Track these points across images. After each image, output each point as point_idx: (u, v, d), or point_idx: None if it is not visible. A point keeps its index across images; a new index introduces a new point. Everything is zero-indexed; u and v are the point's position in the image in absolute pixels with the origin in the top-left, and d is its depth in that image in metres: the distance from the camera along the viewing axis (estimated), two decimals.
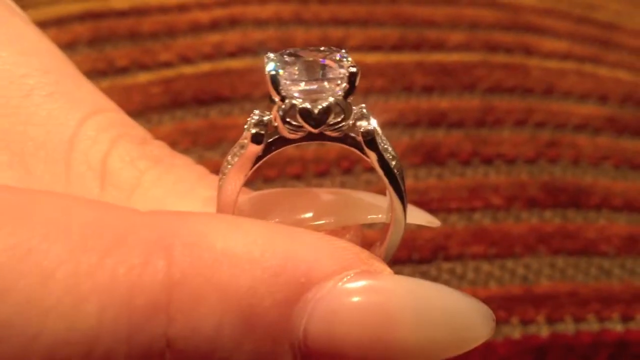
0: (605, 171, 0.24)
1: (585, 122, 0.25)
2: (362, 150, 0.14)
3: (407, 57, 0.26)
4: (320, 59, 0.14)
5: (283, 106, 0.13)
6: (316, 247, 0.13)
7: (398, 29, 0.27)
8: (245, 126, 0.14)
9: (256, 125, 0.14)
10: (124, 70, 0.24)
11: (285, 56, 0.14)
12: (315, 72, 0.13)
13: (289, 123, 0.13)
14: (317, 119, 0.13)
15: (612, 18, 0.32)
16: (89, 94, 0.16)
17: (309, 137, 0.13)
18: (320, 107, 0.13)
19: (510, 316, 0.20)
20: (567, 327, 0.20)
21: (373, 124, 0.14)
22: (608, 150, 0.24)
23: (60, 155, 0.15)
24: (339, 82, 0.13)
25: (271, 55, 0.14)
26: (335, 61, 0.14)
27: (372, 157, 0.14)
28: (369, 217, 0.15)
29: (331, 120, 0.13)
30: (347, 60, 0.14)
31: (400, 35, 0.26)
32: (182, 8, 0.26)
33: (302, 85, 0.13)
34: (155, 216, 0.13)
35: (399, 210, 0.14)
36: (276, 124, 0.13)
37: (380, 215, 0.15)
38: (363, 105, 0.14)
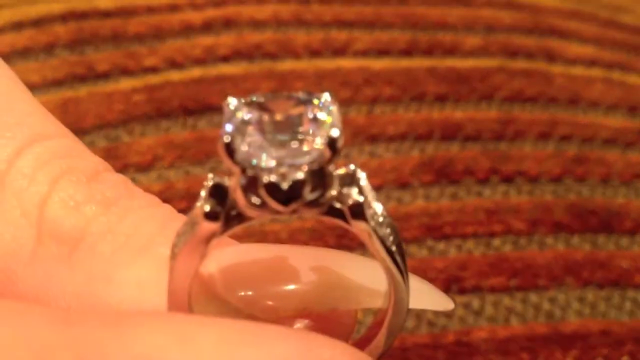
0: (638, 190, 0.22)
1: (615, 136, 0.23)
2: (348, 222, 0.11)
3: (418, 63, 0.23)
4: (293, 115, 0.11)
5: (243, 179, 0.11)
6: (290, 358, 0.10)
7: (408, 31, 0.24)
8: (201, 194, 0.11)
9: (211, 196, 0.11)
10: (104, 76, 0.22)
11: (250, 108, 0.11)
12: (286, 132, 0.11)
13: (251, 200, 0.11)
14: (287, 196, 0.11)
15: None
16: (26, 115, 0.13)
17: (279, 214, 0.11)
18: (291, 180, 0.11)
19: (535, 359, 0.18)
20: None
21: (364, 190, 0.11)
22: None
23: None
24: (317, 145, 0.11)
25: (232, 102, 0.11)
26: (313, 119, 0.11)
27: (367, 234, 0.11)
28: (363, 300, 0.12)
29: (307, 195, 0.11)
30: (329, 116, 0.11)
31: (411, 38, 0.24)
32: (172, 8, 0.24)
33: (269, 152, 0.11)
34: (80, 331, 0.10)
35: (401, 292, 0.11)
36: (236, 198, 0.11)
37: (379, 300, 0.12)
38: (352, 166, 0.11)
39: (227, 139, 0.11)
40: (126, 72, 0.22)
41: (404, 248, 0.11)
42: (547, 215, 0.20)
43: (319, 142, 0.11)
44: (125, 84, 0.22)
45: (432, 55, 0.24)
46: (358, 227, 0.11)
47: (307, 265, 0.12)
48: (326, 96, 0.11)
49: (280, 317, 0.12)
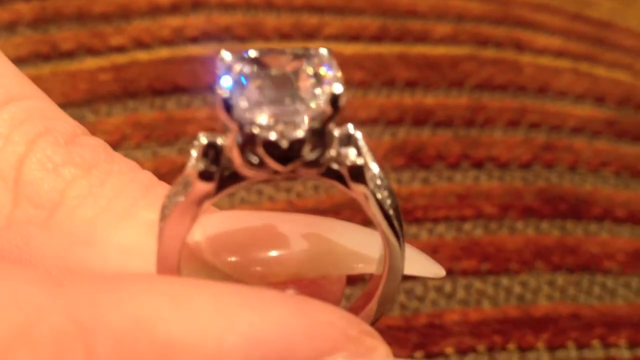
0: (605, 178, 0.22)
1: (582, 125, 0.23)
2: (346, 184, 0.11)
3: (388, 49, 0.23)
4: (292, 70, 0.10)
5: (240, 137, 0.10)
6: (289, 325, 0.10)
7: (378, 18, 0.24)
8: (193, 154, 0.11)
9: (204, 155, 0.10)
10: (69, 55, 0.22)
11: (244, 64, 0.10)
12: (284, 88, 0.10)
13: (249, 159, 0.10)
14: (286, 155, 0.10)
15: (606, 16, 0.30)
16: (1, 76, 0.13)
17: (277, 175, 0.10)
18: (290, 138, 0.10)
19: (507, 342, 0.17)
20: (570, 354, 0.18)
21: (362, 151, 0.10)
22: (608, 156, 0.22)
23: None
24: (318, 101, 0.10)
25: (226, 57, 0.10)
26: (312, 74, 0.10)
27: (364, 196, 0.11)
28: (356, 266, 0.12)
29: (306, 155, 0.10)
30: (331, 72, 0.10)
31: (381, 25, 0.24)
32: None
33: (267, 108, 0.10)
34: (72, 291, 0.10)
35: (396, 259, 0.11)
36: (232, 157, 0.10)
37: (372, 266, 0.12)
38: (350, 125, 0.11)
39: (225, 93, 0.10)
40: (92, 51, 0.22)
41: (400, 212, 0.11)
42: (517, 200, 0.20)
43: (321, 99, 0.10)
44: (91, 63, 0.22)
45: (402, 42, 0.24)
46: (356, 190, 0.11)
47: (298, 232, 0.11)
48: (323, 51, 0.10)
49: (270, 283, 0.11)
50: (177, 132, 0.21)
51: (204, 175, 0.10)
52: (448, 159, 0.21)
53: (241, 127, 0.10)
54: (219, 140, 0.10)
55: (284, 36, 0.23)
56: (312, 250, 0.11)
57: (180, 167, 0.22)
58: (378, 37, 0.24)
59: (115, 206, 0.12)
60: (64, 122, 0.12)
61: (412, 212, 0.20)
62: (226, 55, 0.10)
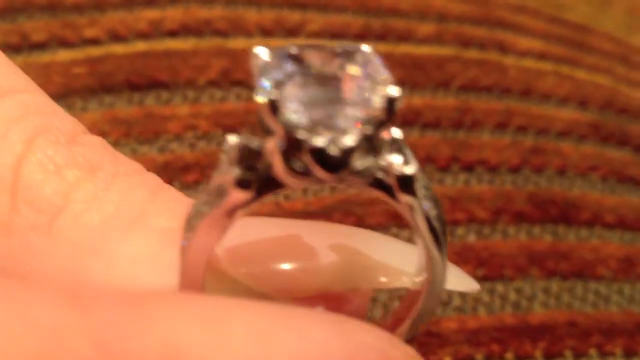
0: (593, 183, 0.21)
1: (568, 129, 0.23)
2: (393, 195, 0.10)
3: (372, 47, 0.23)
4: (336, 69, 0.09)
5: (284, 142, 0.09)
6: (330, 348, 0.09)
7: (361, 16, 0.24)
8: (223, 159, 0.10)
9: (241, 161, 0.09)
10: (40, 46, 0.21)
11: (284, 61, 0.09)
12: (329, 89, 0.09)
13: (293, 166, 0.09)
14: (335, 163, 0.09)
15: (582, 20, 0.30)
16: None
17: (320, 183, 0.09)
18: (341, 145, 0.09)
19: (505, 351, 0.17)
20: None
21: (410, 160, 0.10)
22: (594, 160, 0.22)
23: None
24: (369, 105, 0.09)
25: (262, 54, 0.09)
26: (359, 74, 0.09)
27: (409, 207, 0.10)
28: (389, 280, 0.11)
29: (356, 163, 0.09)
30: (381, 72, 0.09)
31: (364, 23, 0.23)
32: None
33: (313, 111, 0.09)
34: (94, 313, 0.09)
35: (438, 273, 0.10)
36: (273, 162, 0.09)
37: (404, 279, 0.11)
38: (396, 129, 0.10)
39: (272, 95, 0.09)
40: (64, 43, 0.21)
41: (446, 225, 0.10)
42: (509, 204, 0.20)
43: (373, 102, 0.09)
44: (64, 55, 0.21)
45: (386, 41, 0.23)
46: (402, 200, 0.10)
47: (325, 243, 0.11)
48: (365, 48, 0.10)
49: (296, 297, 0.10)
50: (157, 129, 0.20)
51: (242, 183, 0.10)
52: (438, 162, 0.20)
53: (287, 131, 0.09)
54: (254, 144, 0.10)
55: (266, 32, 0.22)
56: (341, 263, 0.11)
57: (162, 166, 0.21)
58: (362, 35, 0.23)
59: (123, 212, 0.11)
60: (63, 118, 0.11)
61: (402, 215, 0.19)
62: (261, 51, 0.09)
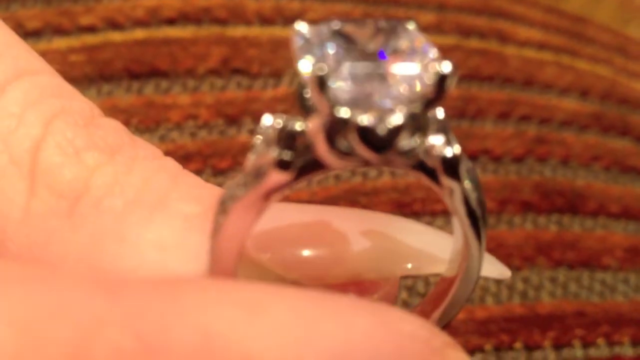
0: (597, 173, 0.21)
1: (570, 119, 0.22)
2: (436, 179, 0.09)
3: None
4: (380, 45, 0.09)
5: (329, 121, 0.09)
6: (374, 338, 0.08)
7: (361, 5, 0.23)
8: (258, 140, 0.09)
9: (280, 142, 0.09)
10: (36, 34, 0.20)
11: (328, 37, 0.09)
12: (374, 66, 0.09)
13: (337, 146, 0.09)
14: (382, 142, 0.09)
15: (579, 11, 0.30)
16: (6, 47, 0.11)
17: (365, 164, 0.09)
18: (389, 124, 0.09)
19: (514, 341, 0.17)
20: (576, 353, 0.17)
21: (454, 142, 0.09)
22: (597, 150, 0.22)
23: None
24: (418, 82, 0.09)
25: (303, 30, 0.09)
26: (406, 50, 0.09)
27: (450, 190, 0.09)
28: (423, 266, 0.10)
29: (403, 144, 0.09)
30: (429, 48, 0.09)
31: (364, 11, 0.23)
32: None
33: (359, 88, 0.09)
34: (130, 300, 0.08)
35: (474, 260, 0.10)
36: (315, 143, 0.09)
37: (438, 265, 0.10)
38: (439, 109, 0.09)
39: (319, 70, 0.09)
40: (60, 31, 0.20)
41: (485, 209, 0.10)
42: (514, 194, 0.20)
43: (422, 79, 0.09)
44: (60, 43, 0.20)
45: None
46: (445, 184, 0.09)
47: (356, 229, 0.10)
48: (411, 25, 0.09)
49: (328, 284, 0.10)
50: (157, 118, 0.19)
51: (282, 164, 0.09)
52: None
53: (332, 109, 0.09)
54: (293, 124, 0.09)
55: (266, 20, 0.22)
56: (373, 249, 0.10)
57: (164, 155, 0.20)
58: None
59: (145, 197, 0.10)
60: (80, 101, 0.11)
61: (410, 205, 0.19)
62: (302, 27, 0.09)
